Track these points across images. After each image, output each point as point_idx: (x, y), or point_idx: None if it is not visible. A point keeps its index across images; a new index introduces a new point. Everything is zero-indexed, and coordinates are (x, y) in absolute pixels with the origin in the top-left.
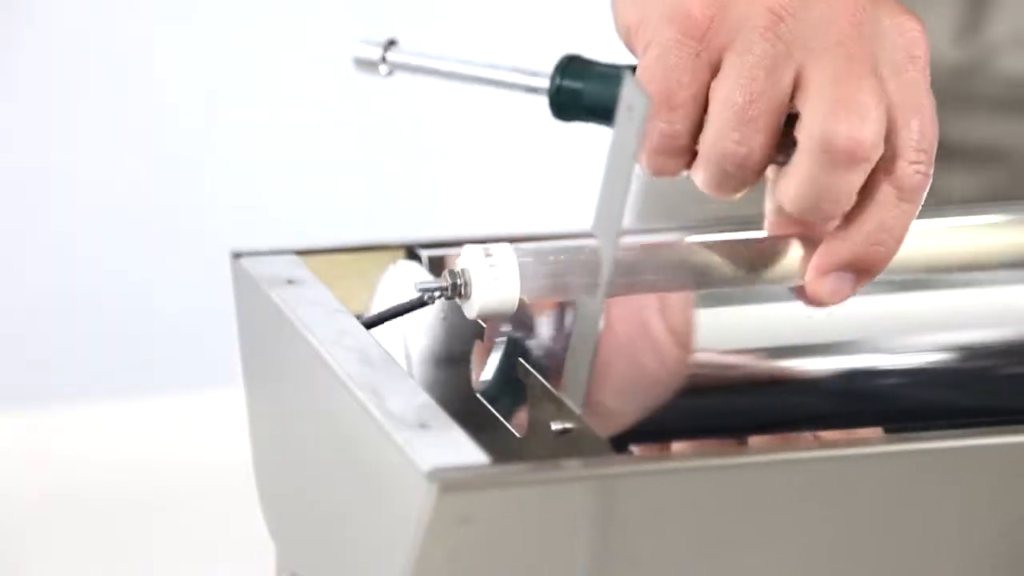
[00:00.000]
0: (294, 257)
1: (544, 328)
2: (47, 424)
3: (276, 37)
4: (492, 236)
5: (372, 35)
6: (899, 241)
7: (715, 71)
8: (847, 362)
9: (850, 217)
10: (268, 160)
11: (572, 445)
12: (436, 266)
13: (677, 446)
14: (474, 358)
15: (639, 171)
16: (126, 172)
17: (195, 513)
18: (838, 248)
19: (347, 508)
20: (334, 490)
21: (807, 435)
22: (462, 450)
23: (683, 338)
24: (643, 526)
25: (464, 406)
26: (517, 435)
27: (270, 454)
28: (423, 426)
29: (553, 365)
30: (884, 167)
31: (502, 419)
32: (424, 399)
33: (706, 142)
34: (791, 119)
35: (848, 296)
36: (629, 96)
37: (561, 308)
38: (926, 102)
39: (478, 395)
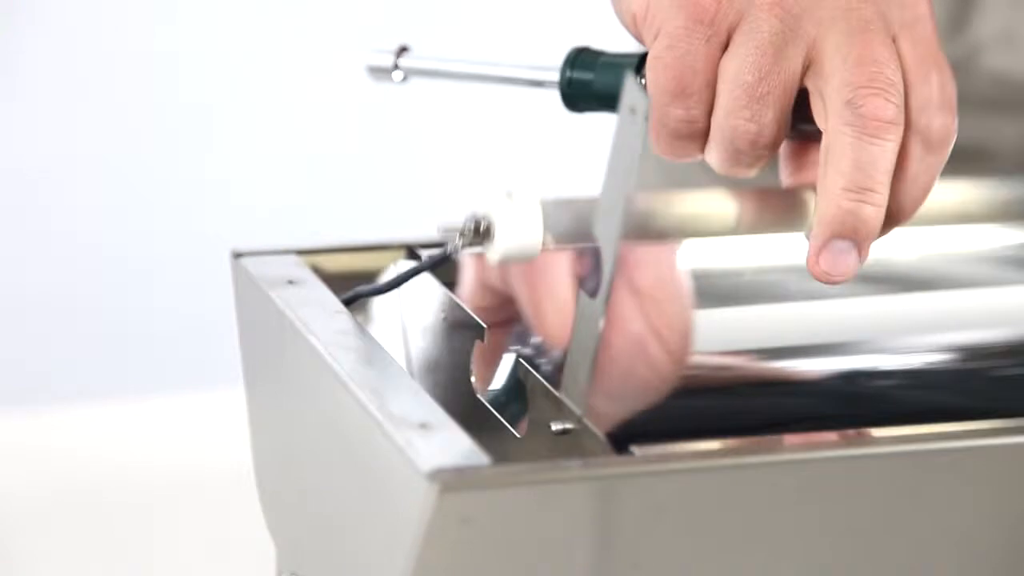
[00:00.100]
0: (294, 257)
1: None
2: (47, 424)
3: (277, 37)
4: None
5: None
6: (926, 193)
7: (726, 51)
8: (848, 362)
9: None
10: (268, 160)
11: (572, 445)
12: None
13: (677, 446)
14: (474, 358)
15: (653, 174)
16: (126, 172)
17: (195, 513)
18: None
19: (347, 508)
20: (334, 490)
21: (807, 436)
22: (462, 450)
23: (683, 338)
24: (643, 526)
25: (464, 406)
26: (517, 435)
27: (270, 454)
28: (423, 426)
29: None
30: (910, 123)
31: (502, 419)
32: (424, 399)
33: (717, 121)
34: (803, 92)
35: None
36: (631, 97)
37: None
38: (941, 56)
39: (478, 395)
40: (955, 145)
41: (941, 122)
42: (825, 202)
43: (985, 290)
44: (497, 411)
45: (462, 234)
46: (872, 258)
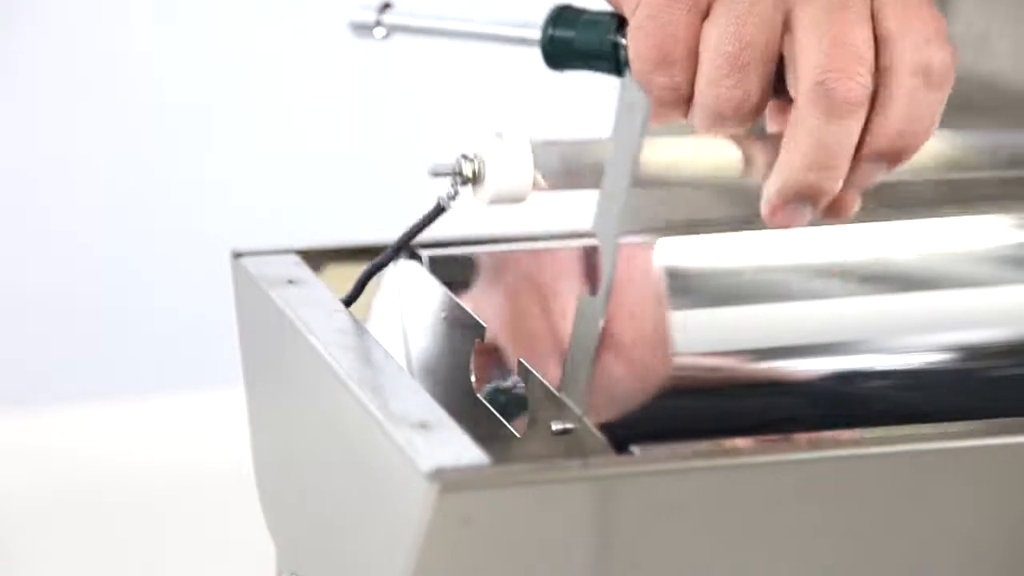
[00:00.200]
0: (294, 257)
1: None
2: (47, 424)
3: (277, 37)
4: (492, 236)
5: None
6: (930, 129)
7: (706, 18)
8: (849, 363)
9: (881, 111)
10: (269, 160)
11: (572, 445)
12: (437, 266)
13: (677, 446)
14: (474, 358)
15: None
16: (126, 172)
17: (195, 513)
18: (875, 140)
19: (347, 508)
20: (334, 490)
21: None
22: (462, 450)
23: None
24: (642, 526)
25: (464, 406)
26: (517, 435)
27: (270, 454)
28: (423, 426)
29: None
30: (909, 59)
31: (502, 419)
32: (424, 399)
33: (700, 89)
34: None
35: (874, 181)
36: (629, 95)
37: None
38: (925, 2)
39: (478, 395)
40: None
41: (940, 57)
42: (788, 172)
43: (984, 290)
44: (497, 411)
45: (453, 174)
46: (871, 258)
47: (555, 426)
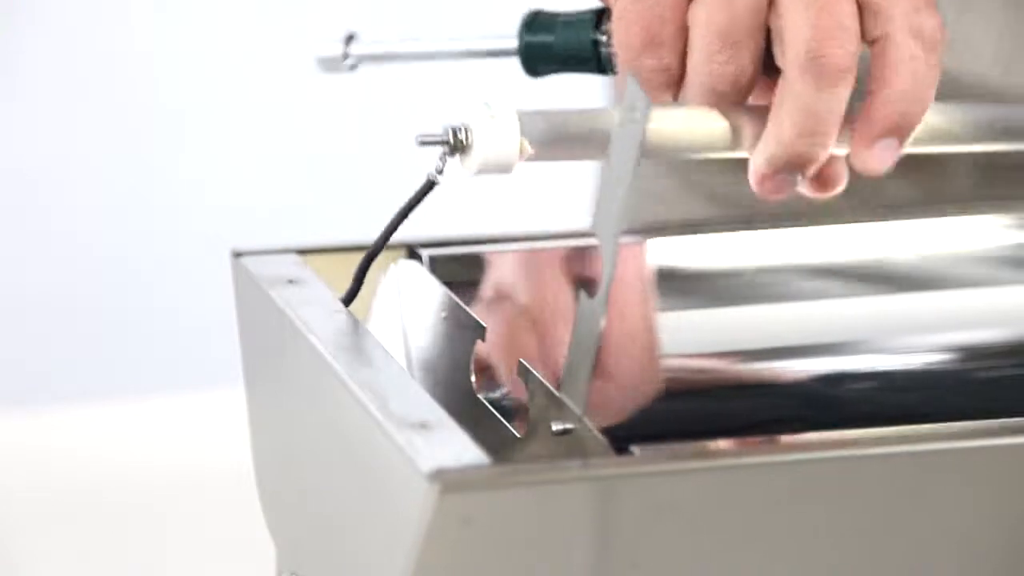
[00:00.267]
0: (295, 257)
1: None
2: (47, 424)
3: (277, 37)
4: (492, 236)
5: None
6: (931, 95)
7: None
8: (850, 363)
9: (884, 82)
10: (269, 159)
11: (572, 445)
12: (437, 266)
13: (677, 446)
14: (474, 358)
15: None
16: (126, 172)
17: (195, 513)
18: (880, 114)
19: (347, 508)
20: (334, 490)
21: (808, 436)
22: (463, 450)
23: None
24: (642, 526)
25: (464, 406)
26: (517, 435)
27: (270, 454)
28: (423, 426)
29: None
30: (901, 25)
31: (502, 419)
32: (424, 399)
33: (694, 67)
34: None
35: (894, 161)
36: (631, 96)
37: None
38: None
39: (478, 395)
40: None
41: (931, 24)
42: (777, 142)
43: (984, 290)
44: (497, 411)
45: (442, 142)
46: (871, 257)
47: (555, 426)
